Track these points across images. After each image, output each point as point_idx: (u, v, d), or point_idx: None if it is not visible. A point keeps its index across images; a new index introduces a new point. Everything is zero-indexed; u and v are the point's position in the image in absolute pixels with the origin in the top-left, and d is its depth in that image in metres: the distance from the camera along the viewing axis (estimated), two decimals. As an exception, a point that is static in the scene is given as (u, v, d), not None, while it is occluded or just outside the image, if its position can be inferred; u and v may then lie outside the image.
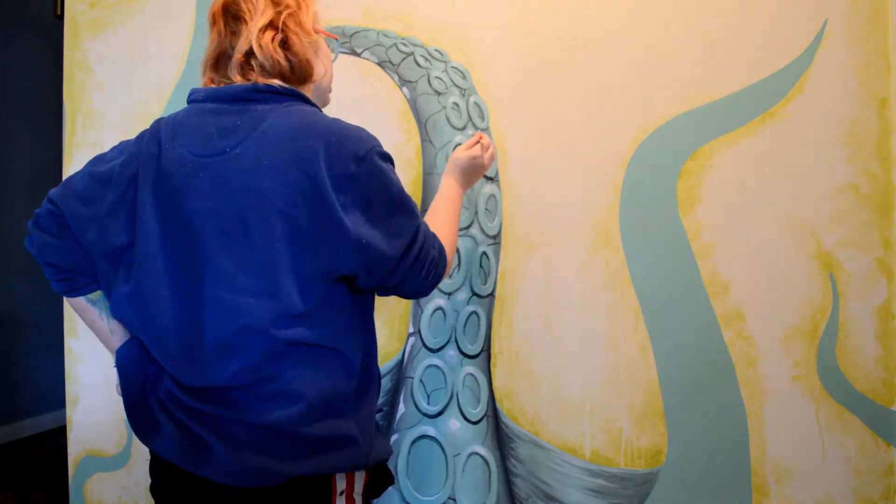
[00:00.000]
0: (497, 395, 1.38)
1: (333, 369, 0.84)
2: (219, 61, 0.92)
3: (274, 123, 0.84)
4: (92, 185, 0.89)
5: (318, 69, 0.95)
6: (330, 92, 1.04)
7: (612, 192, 1.34)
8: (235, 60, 0.89)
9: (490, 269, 1.40)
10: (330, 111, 1.48)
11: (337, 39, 1.01)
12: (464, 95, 1.42)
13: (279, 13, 0.90)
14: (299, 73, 0.91)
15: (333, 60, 1.01)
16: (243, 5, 0.91)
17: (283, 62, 0.89)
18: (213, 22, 0.92)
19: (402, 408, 1.40)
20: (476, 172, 1.15)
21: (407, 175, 1.43)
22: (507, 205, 1.39)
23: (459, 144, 1.36)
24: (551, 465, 1.35)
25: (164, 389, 0.85)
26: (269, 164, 0.81)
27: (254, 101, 0.87)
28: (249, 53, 0.89)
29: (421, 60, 1.44)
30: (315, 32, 0.95)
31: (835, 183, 1.26)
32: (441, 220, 1.03)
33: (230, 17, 0.91)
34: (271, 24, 0.89)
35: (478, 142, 1.15)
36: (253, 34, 0.88)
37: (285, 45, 0.90)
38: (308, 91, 0.96)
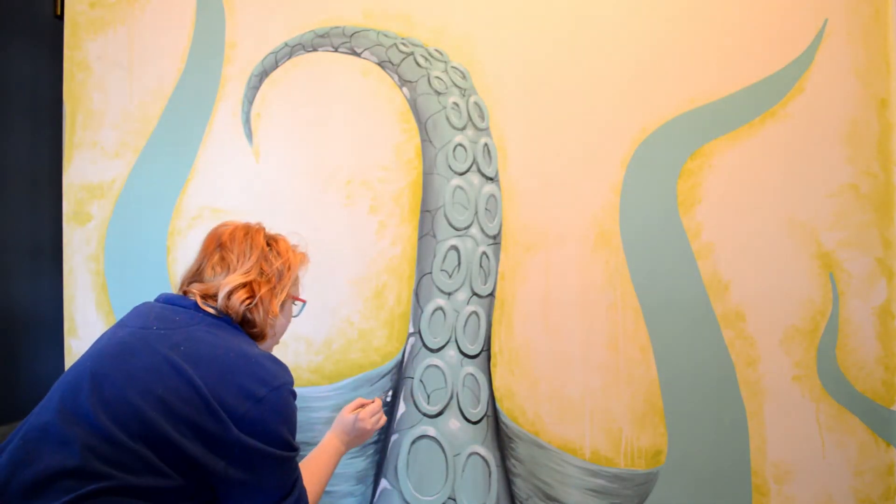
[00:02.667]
0: (497, 395, 1.38)
1: None
2: (196, 278, 0.96)
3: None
4: None
5: (269, 342, 0.98)
6: (274, 346, 1.05)
7: (612, 192, 1.34)
8: (201, 290, 0.92)
9: (490, 269, 1.40)
10: (330, 111, 1.49)
11: (305, 302, 1.05)
12: (464, 95, 1.42)
13: (260, 282, 0.94)
14: (252, 334, 0.94)
15: (297, 315, 1.05)
16: (236, 250, 0.95)
17: (238, 318, 0.92)
18: (209, 246, 0.97)
19: (402, 407, 1.40)
20: (359, 436, 1.10)
21: (407, 175, 1.43)
22: (507, 205, 1.39)
23: (460, 144, 1.37)
24: (551, 465, 1.35)
25: None
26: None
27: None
28: (210, 297, 0.92)
29: (421, 60, 1.44)
30: (284, 301, 0.98)
31: (835, 183, 1.26)
32: (315, 476, 1.01)
33: (218, 255, 0.95)
34: (249, 287, 0.93)
35: (361, 406, 1.12)
36: (228, 284, 0.91)
37: (252, 312, 0.93)
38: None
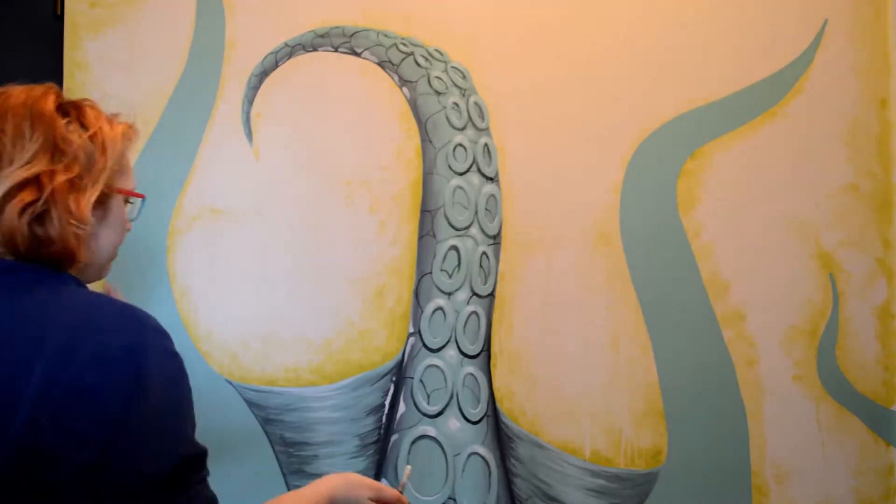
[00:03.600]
0: (497, 395, 1.38)
1: None
2: None
3: None
4: None
5: (85, 257, 0.64)
6: (113, 259, 0.74)
7: (612, 192, 1.34)
8: None
9: (490, 269, 1.40)
10: (330, 111, 1.48)
11: (143, 198, 0.73)
12: (464, 95, 1.42)
13: (53, 172, 0.61)
14: (47, 260, 0.62)
15: (134, 219, 0.73)
16: (9, 131, 0.61)
17: (24, 242, 0.60)
18: None
19: (402, 408, 1.40)
20: None
21: (407, 175, 1.43)
22: (507, 205, 1.39)
23: (460, 144, 1.37)
24: (551, 465, 1.35)
25: None
26: None
27: None
28: None
29: (421, 60, 1.44)
30: (106, 197, 0.67)
31: (835, 183, 1.26)
32: None
33: None
34: (35, 183, 0.60)
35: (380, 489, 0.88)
36: (2, 185, 0.59)
37: (40, 219, 0.60)
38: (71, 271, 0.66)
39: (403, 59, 1.45)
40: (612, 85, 1.35)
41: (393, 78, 1.45)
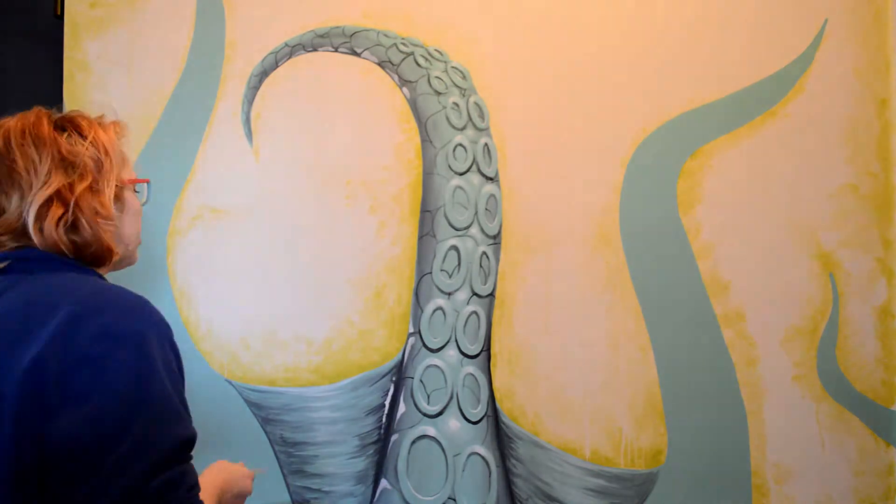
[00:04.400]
0: (497, 395, 1.38)
1: None
2: None
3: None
4: None
5: (119, 248, 0.74)
6: (139, 244, 0.83)
7: (612, 192, 1.34)
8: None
9: (490, 269, 1.40)
10: (330, 111, 1.48)
11: (148, 182, 0.82)
12: (464, 95, 1.42)
13: (71, 184, 0.68)
14: (90, 260, 0.71)
15: (145, 202, 0.82)
16: (20, 161, 0.67)
17: (68, 249, 0.68)
18: None
19: (402, 408, 1.40)
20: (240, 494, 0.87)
21: (407, 175, 1.43)
22: (507, 205, 1.39)
23: (460, 144, 1.37)
24: (551, 465, 1.35)
25: None
26: None
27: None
28: (21, 233, 0.67)
29: (421, 60, 1.44)
30: (120, 191, 0.74)
31: (835, 183, 1.26)
32: None
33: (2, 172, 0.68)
34: (59, 198, 0.67)
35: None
36: (32, 209, 0.66)
37: (74, 228, 0.68)
38: (102, 271, 0.75)
39: (403, 59, 1.45)
40: (612, 85, 1.35)
41: (393, 78, 1.45)
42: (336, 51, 1.46)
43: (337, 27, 1.47)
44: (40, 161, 0.68)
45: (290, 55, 1.47)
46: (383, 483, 1.38)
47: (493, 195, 1.40)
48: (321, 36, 1.47)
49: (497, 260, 1.40)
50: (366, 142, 1.43)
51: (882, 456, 1.24)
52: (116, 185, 0.74)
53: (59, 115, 0.74)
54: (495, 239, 1.40)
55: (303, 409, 1.40)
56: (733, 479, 1.27)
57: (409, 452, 1.39)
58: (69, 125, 0.73)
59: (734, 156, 1.29)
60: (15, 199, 0.67)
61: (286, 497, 1.40)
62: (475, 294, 1.40)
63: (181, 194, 1.49)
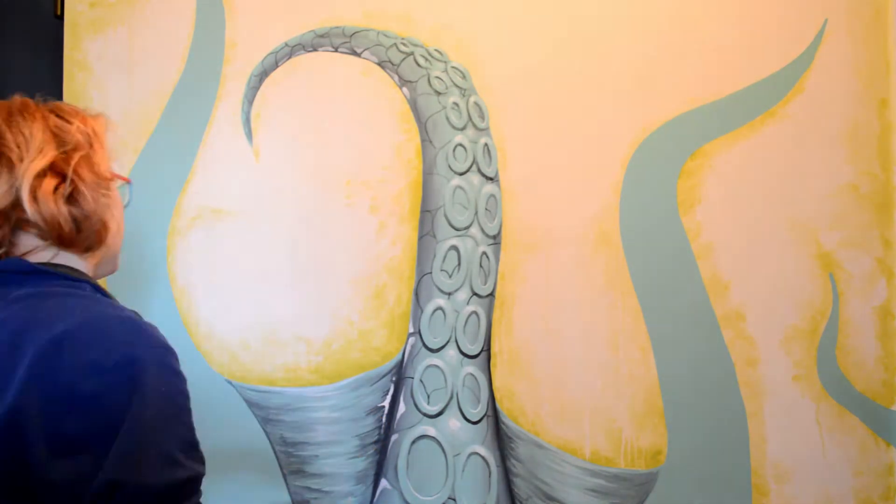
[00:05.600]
0: (497, 395, 1.38)
1: None
2: None
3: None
4: None
5: (112, 229, 0.70)
6: (119, 253, 0.77)
7: (612, 192, 1.34)
8: None
9: (490, 269, 1.40)
10: (330, 111, 1.48)
11: (130, 182, 0.76)
12: (464, 95, 1.42)
13: (66, 154, 0.65)
14: (88, 239, 0.67)
15: (127, 204, 0.77)
16: (9, 135, 0.64)
17: (68, 224, 0.64)
18: None
19: (402, 408, 1.40)
20: None
21: (407, 175, 1.43)
22: (507, 205, 1.39)
23: (460, 144, 1.37)
24: (551, 465, 1.35)
25: None
26: None
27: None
28: (14, 206, 0.62)
29: (421, 60, 1.44)
30: (110, 179, 0.71)
31: (835, 183, 1.26)
32: None
33: None
34: (54, 169, 0.64)
35: None
36: (25, 181, 0.62)
37: (73, 199, 0.65)
38: (92, 262, 0.70)
39: (403, 59, 1.45)
40: (612, 85, 1.35)
41: (393, 78, 1.45)
42: (336, 51, 1.46)
43: (337, 27, 1.47)
44: (31, 134, 0.65)
45: (290, 55, 1.47)
46: (383, 483, 1.38)
47: (493, 195, 1.40)
48: (321, 36, 1.47)
49: (497, 260, 1.40)
50: (366, 142, 1.43)
51: (882, 456, 1.24)
52: (110, 170, 0.71)
53: (42, 103, 0.71)
54: (495, 239, 1.40)
55: (303, 409, 1.40)
56: (733, 479, 1.27)
57: (409, 452, 1.39)
58: (56, 109, 0.70)
59: (734, 156, 1.29)
60: (4, 175, 0.62)
61: (286, 497, 1.40)
62: (475, 294, 1.40)
63: (181, 194, 1.49)
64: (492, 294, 1.40)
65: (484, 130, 1.41)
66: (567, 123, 1.37)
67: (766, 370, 1.27)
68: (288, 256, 1.42)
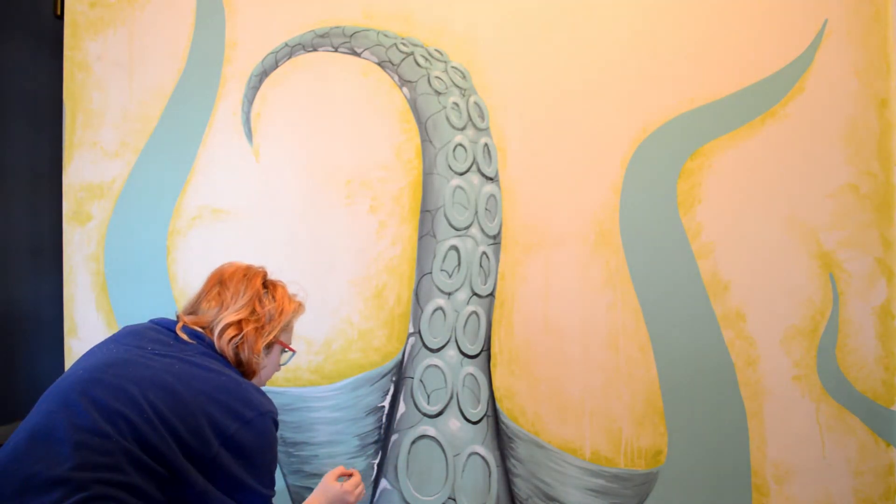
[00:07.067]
0: (497, 395, 1.38)
1: None
2: (192, 309, 1.02)
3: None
4: None
5: (260, 375, 1.02)
6: (265, 384, 1.08)
7: (612, 192, 1.34)
8: (193, 321, 0.98)
9: (490, 269, 1.40)
10: (330, 111, 1.49)
11: (294, 352, 1.09)
12: (464, 95, 1.42)
13: (248, 321, 0.98)
14: (244, 371, 0.98)
15: (284, 364, 1.10)
16: (232, 289, 1.00)
17: (232, 360, 0.97)
18: (210, 282, 1.03)
19: (402, 407, 1.40)
20: (341, 501, 1.12)
21: (407, 175, 1.43)
22: (507, 205, 1.39)
23: (460, 144, 1.37)
24: (551, 465, 1.35)
25: None
26: None
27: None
28: (206, 329, 0.97)
29: (421, 60, 1.44)
30: (272, 344, 1.02)
31: (835, 183, 1.26)
32: None
33: (216, 291, 1.01)
34: (237, 325, 0.97)
35: (343, 475, 1.15)
36: (219, 324, 0.97)
37: (239, 348, 0.97)
38: (250, 376, 1.01)
39: (403, 59, 1.45)
40: (612, 85, 1.35)
41: (393, 78, 1.45)
42: (336, 51, 1.46)
43: (337, 27, 1.47)
44: (241, 297, 1.00)
45: (290, 55, 1.47)
46: (383, 483, 1.38)
47: (493, 195, 1.40)
48: (321, 36, 1.47)
49: (497, 260, 1.40)
50: (366, 142, 1.43)
51: (882, 456, 1.24)
52: (271, 340, 1.01)
53: (271, 279, 1.06)
54: (495, 239, 1.40)
55: (303, 409, 1.40)
56: (733, 479, 1.27)
57: (409, 452, 1.39)
58: (272, 288, 1.04)
59: (734, 156, 1.29)
60: (214, 309, 0.99)
61: (286, 497, 1.40)
62: (475, 294, 1.40)
63: (181, 194, 1.49)
64: (492, 294, 1.40)
65: (484, 130, 1.41)
66: (567, 123, 1.37)
67: (766, 370, 1.27)
68: (288, 256, 1.42)
